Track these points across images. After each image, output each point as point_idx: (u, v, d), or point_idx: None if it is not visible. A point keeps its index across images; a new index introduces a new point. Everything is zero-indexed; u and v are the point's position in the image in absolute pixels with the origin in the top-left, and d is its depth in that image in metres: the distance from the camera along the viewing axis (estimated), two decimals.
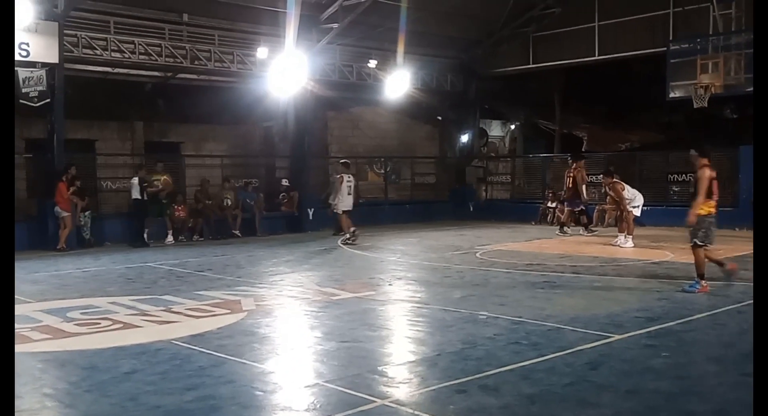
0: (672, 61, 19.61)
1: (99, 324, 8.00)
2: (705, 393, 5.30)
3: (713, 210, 10.04)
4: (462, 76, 25.22)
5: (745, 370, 5.84)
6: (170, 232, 17.59)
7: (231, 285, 10.68)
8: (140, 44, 17.84)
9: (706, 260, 9.76)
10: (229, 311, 8.65)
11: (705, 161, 10.02)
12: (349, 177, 16.97)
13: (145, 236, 16.82)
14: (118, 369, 6.16)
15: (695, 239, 9.65)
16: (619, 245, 15.22)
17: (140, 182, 16.63)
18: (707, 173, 9.73)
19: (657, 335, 7.09)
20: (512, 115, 29.93)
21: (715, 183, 10.00)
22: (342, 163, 17.78)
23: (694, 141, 21.32)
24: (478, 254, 14.20)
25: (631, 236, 15.47)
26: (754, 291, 3.61)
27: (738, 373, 5.78)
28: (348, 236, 16.53)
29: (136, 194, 16.64)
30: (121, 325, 7.94)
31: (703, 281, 9.62)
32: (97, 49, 17.24)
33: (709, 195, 9.75)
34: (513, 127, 30.81)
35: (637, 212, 15.90)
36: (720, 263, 10.08)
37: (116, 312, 8.60)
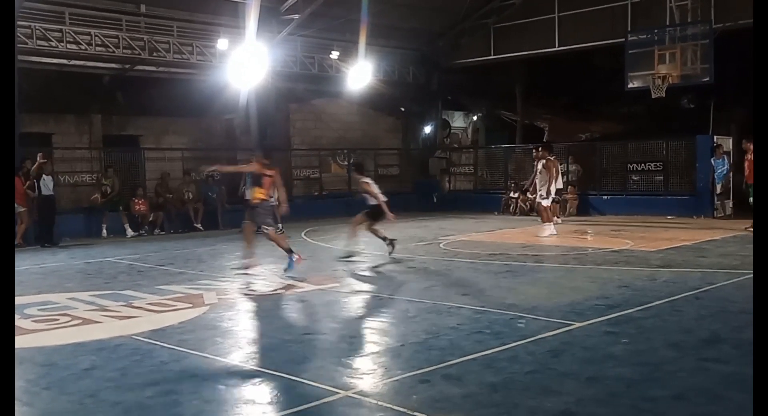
0: (630, 51, 19.87)
1: (57, 320, 7.86)
2: (665, 378, 5.37)
3: (263, 197, 10.89)
4: (424, 68, 25.25)
5: (703, 355, 5.96)
6: (127, 225, 17.33)
7: (193, 279, 10.56)
8: (97, 36, 17.54)
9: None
10: (190, 305, 8.55)
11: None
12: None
13: (104, 231, 16.60)
14: (77, 365, 6.05)
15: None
16: (540, 236, 15.18)
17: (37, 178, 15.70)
18: None
19: (617, 322, 7.18)
20: (474, 106, 30.05)
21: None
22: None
23: (653, 131, 21.80)
24: (441, 245, 14.25)
25: (551, 223, 15.55)
26: (754, 291, 3.66)
27: (696, 359, 5.88)
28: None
29: (47, 190, 15.69)
30: (81, 321, 7.81)
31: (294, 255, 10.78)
32: (52, 41, 16.90)
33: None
34: (475, 118, 30.94)
35: (546, 203, 15.68)
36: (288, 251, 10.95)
37: (75, 308, 8.45)
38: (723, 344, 6.39)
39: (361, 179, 13.01)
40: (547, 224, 15.45)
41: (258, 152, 12.17)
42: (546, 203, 15.64)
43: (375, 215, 12.74)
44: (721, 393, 5.03)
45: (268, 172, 11.22)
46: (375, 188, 12.85)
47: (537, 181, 15.92)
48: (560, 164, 21.82)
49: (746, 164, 15.40)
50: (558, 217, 18.42)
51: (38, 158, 15.81)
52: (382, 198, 12.68)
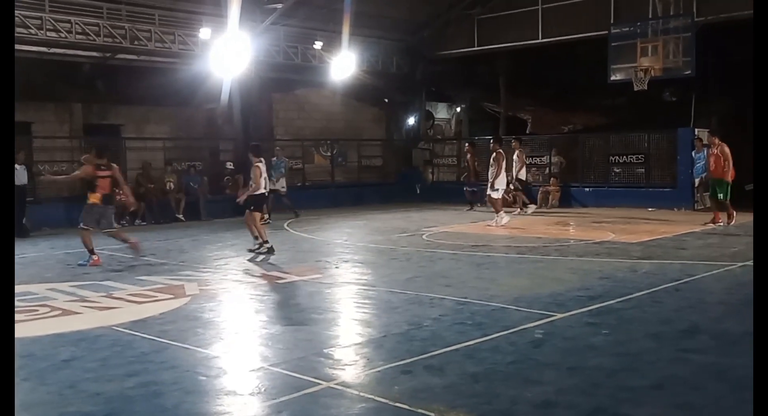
0: (613, 44, 19.93)
1: (37, 311, 7.80)
2: (644, 368, 5.42)
3: (97, 201, 11.05)
4: (408, 59, 25.21)
5: (682, 346, 6.02)
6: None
7: (174, 270, 10.51)
8: (77, 23, 17.33)
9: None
10: (172, 296, 8.51)
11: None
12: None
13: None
14: (56, 356, 6.01)
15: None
16: (494, 225, 15.54)
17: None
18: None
19: (598, 313, 7.24)
20: (458, 98, 30.04)
21: None
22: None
23: (635, 124, 21.88)
24: (424, 236, 14.26)
25: (501, 213, 15.82)
26: (754, 291, 3.68)
27: (675, 349, 5.93)
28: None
29: (21, 179, 15.28)
30: (60, 312, 7.75)
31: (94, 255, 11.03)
32: (31, 29, 16.68)
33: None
34: (459, 109, 30.93)
35: (497, 195, 15.95)
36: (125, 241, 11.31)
37: (55, 299, 8.39)
38: (701, 334, 6.45)
39: (254, 162, 12.37)
40: (498, 215, 15.72)
41: (92, 152, 11.76)
42: (495, 195, 15.88)
43: (255, 204, 12.27)
44: (699, 383, 5.09)
45: (104, 173, 11.09)
46: (261, 175, 12.23)
47: (489, 173, 16.15)
48: (554, 157, 22.21)
49: (711, 158, 15.03)
50: (522, 208, 18.74)
51: None
52: (261, 189, 12.24)
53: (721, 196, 14.71)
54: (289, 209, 18.73)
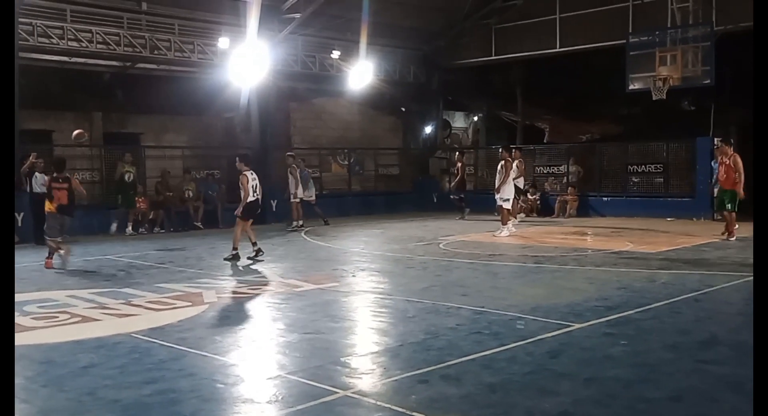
0: (631, 53, 19.86)
1: (57, 317, 7.87)
2: (661, 380, 5.38)
3: (53, 210, 11.64)
4: (425, 68, 25.25)
5: (700, 357, 5.98)
6: (131, 223, 17.35)
7: (192, 278, 10.57)
8: (98, 33, 17.53)
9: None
10: (190, 303, 8.56)
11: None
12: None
13: (113, 227, 16.51)
14: (75, 363, 6.06)
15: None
16: (495, 236, 15.42)
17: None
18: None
19: (616, 323, 7.20)
20: (475, 106, 30.05)
21: None
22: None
23: (652, 133, 21.78)
24: (441, 245, 14.25)
25: (509, 224, 15.76)
26: (754, 291, 3.67)
27: (693, 360, 5.90)
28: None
29: (38, 188, 15.04)
30: (80, 318, 7.82)
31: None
32: (53, 38, 16.90)
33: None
34: (476, 118, 30.94)
35: (507, 205, 15.88)
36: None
37: (74, 306, 8.46)
38: (720, 346, 6.40)
39: (242, 170, 12.55)
40: (505, 226, 15.63)
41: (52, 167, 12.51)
42: (507, 205, 15.79)
43: (248, 213, 12.53)
44: (717, 395, 5.05)
45: (59, 185, 11.72)
46: (249, 183, 12.44)
47: (496, 182, 16.11)
48: (572, 166, 22.14)
49: (722, 168, 14.39)
50: (515, 217, 18.49)
51: (31, 157, 15.79)
52: (250, 197, 12.42)
53: (729, 206, 14.08)
54: (320, 217, 18.81)
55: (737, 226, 14.17)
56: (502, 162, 15.96)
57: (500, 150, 16.96)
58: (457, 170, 21.61)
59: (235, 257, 12.18)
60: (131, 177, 17.67)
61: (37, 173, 15.46)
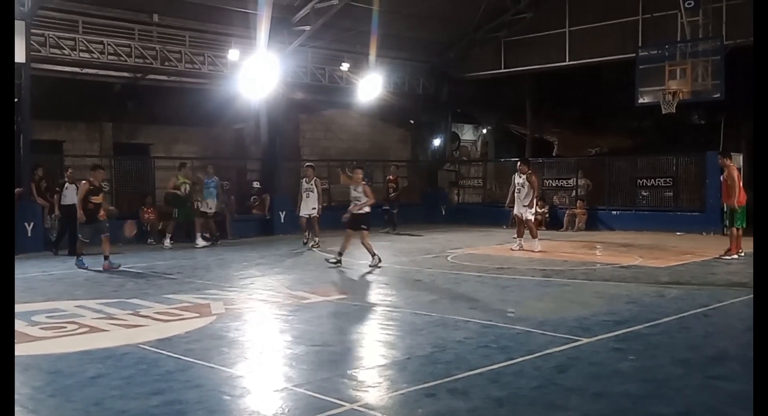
0: (641, 67, 19.86)
1: (65, 327, 7.88)
2: (671, 395, 5.34)
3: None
4: (434, 80, 25.31)
5: (710, 373, 5.93)
6: (199, 234, 17.14)
7: (200, 289, 10.57)
8: (109, 44, 17.66)
9: None
10: (197, 314, 8.56)
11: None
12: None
13: (168, 239, 16.78)
14: (83, 373, 6.06)
15: None
16: (530, 250, 15.07)
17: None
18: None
19: (625, 338, 7.15)
20: (484, 119, 30.06)
21: None
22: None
23: (662, 146, 21.69)
24: (449, 258, 14.22)
25: (537, 239, 15.45)
26: (754, 291, 3.65)
27: (703, 376, 5.85)
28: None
29: (72, 199, 14.68)
30: (88, 329, 7.82)
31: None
32: (65, 49, 17.04)
33: None
34: (485, 131, 30.94)
35: (532, 218, 15.71)
36: None
37: (82, 316, 8.48)
38: (730, 361, 6.35)
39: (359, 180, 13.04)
40: (536, 239, 15.38)
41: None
42: (532, 218, 15.64)
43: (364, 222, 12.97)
44: (727, 411, 5.01)
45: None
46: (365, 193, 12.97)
47: (518, 196, 15.72)
48: (581, 179, 22.06)
49: (723, 182, 14.08)
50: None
51: (38, 171, 16.07)
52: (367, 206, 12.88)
53: (737, 223, 13.68)
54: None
55: (737, 247, 13.67)
56: (524, 176, 15.56)
57: (518, 164, 16.59)
58: (391, 183, 21.22)
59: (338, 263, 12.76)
60: (187, 189, 17.36)
61: (68, 184, 15.34)
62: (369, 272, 12.54)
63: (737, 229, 13.76)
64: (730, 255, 13.64)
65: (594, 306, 8.88)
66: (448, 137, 26.85)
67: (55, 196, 15.61)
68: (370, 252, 12.79)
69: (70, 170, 16.10)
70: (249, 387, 5.76)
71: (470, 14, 22.44)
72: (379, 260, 12.80)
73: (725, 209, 16.05)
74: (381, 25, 20.03)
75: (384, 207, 20.44)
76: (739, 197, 13.69)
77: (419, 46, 23.79)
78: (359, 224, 12.72)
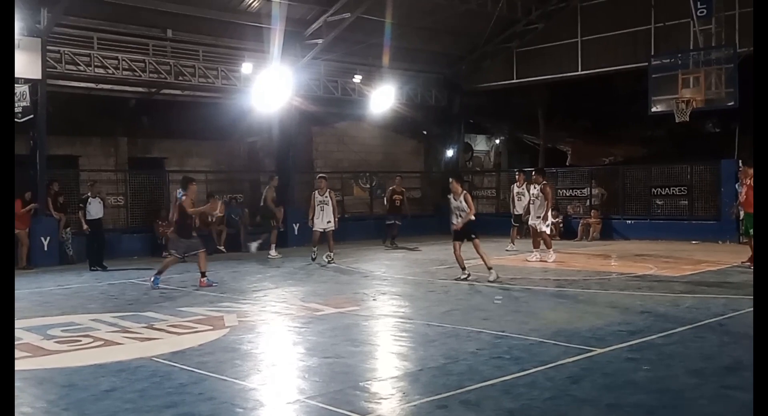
0: (654, 76, 19.78)
1: (79, 341, 7.93)
2: (685, 406, 5.31)
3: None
4: (446, 91, 25.34)
5: (725, 383, 5.88)
6: (273, 246, 17.32)
7: (214, 301, 10.62)
8: (124, 60, 17.83)
9: None
10: (211, 327, 8.60)
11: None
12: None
13: (254, 246, 17.04)
14: (97, 386, 6.10)
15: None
16: (542, 260, 14.94)
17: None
18: None
19: (639, 348, 7.11)
20: (497, 129, 30.07)
21: None
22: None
23: (676, 155, 21.56)
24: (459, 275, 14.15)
25: (552, 250, 15.25)
26: (754, 291, 3.63)
27: (717, 386, 5.81)
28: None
29: (98, 213, 15.30)
30: (102, 342, 7.88)
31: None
32: (80, 65, 17.22)
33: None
34: (498, 141, 30.95)
35: (546, 229, 15.47)
36: None
37: (97, 329, 8.53)
38: (745, 371, 6.27)
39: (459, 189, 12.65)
40: (550, 249, 15.21)
41: None
42: (547, 229, 15.48)
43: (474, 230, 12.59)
44: None
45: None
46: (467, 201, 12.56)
47: (532, 206, 15.68)
48: (595, 189, 21.97)
49: (744, 189, 14.00)
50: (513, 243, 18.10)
51: (54, 186, 16.15)
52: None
53: (752, 232, 13.52)
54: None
55: None
56: (539, 187, 15.47)
57: (533, 174, 16.53)
58: (399, 194, 20.11)
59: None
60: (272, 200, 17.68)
61: (91, 199, 15.29)
62: (383, 284, 12.53)
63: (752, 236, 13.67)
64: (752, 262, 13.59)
65: (608, 316, 8.83)
66: (460, 148, 26.85)
67: (80, 211, 15.45)
68: (485, 263, 12.23)
69: (95, 183, 16.10)
70: (262, 399, 5.77)
71: (481, 26, 22.47)
72: (469, 276, 12.33)
73: (741, 218, 15.96)
74: (393, 38, 20.16)
75: (388, 221, 19.88)
76: None
77: (431, 58, 23.86)
78: (468, 234, 12.41)
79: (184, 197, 12.14)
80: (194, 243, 12.33)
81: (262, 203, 17.86)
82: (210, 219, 18.59)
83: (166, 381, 6.24)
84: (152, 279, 12.23)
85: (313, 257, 15.60)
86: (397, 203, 19.96)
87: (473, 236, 12.33)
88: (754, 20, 4.33)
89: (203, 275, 12.24)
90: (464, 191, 12.57)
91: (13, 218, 13.91)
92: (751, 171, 14.04)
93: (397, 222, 19.86)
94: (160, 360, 6.98)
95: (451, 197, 12.70)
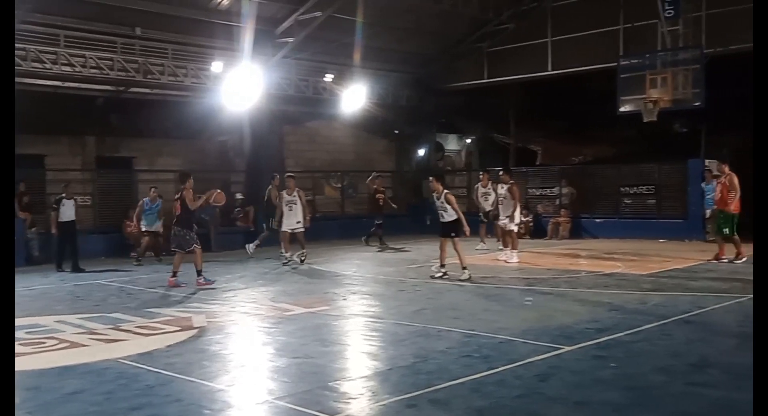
0: (622, 76, 19.98)
1: (44, 343, 7.80)
2: (652, 403, 5.35)
3: None
4: (418, 91, 25.36)
5: (692, 380, 5.94)
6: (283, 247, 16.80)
7: (182, 302, 10.52)
8: (91, 58, 17.59)
9: None
10: (179, 328, 8.50)
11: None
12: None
13: (252, 246, 16.75)
14: (62, 389, 6.00)
15: None
16: (505, 261, 14.93)
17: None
18: None
19: (606, 346, 7.17)
20: (468, 129, 30.16)
21: None
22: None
23: (645, 155, 21.81)
24: (433, 268, 14.16)
25: (516, 251, 15.21)
26: (754, 291, 3.67)
27: (684, 383, 5.86)
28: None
29: (70, 215, 14.87)
30: (68, 344, 7.76)
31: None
32: (46, 63, 16.94)
33: None
34: (469, 141, 31.05)
35: (515, 228, 15.53)
36: None
37: (62, 331, 8.40)
38: (712, 368, 6.37)
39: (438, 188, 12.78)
40: (514, 251, 15.15)
41: None
42: (515, 228, 15.55)
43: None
44: None
45: (177, 197, 12.29)
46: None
47: (501, 206, 15.74)
48: (564, 188, 22.09)
49: (719, 187, 14.28)
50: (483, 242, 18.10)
51: (20, 186, 15.75)
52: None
53: (726, 230, 13.91)
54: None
55: (744, 250, 13.75)
56: (506, 186, 15.57)
57: (500, 174, 16.63)
58: (380, 194, 19.84)
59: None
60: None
61: (65, 200, 14.87)
62: (354, 284, 12.51)
63: (726, 236, 14.00)
64: (719, 259, 13.95)
65: (577, 314, 8.89)
66: (432, 148, 26.91)
67: (52, 213, 14.92)
68: (460, 262, 12.34)
69: (69, 183, 15.60)
70: (230, 400, 5.71)
71: (453, 26, 22.56)
72: (444, 274, 12.44)
73: (707, 216, 16.18)
74: (365, 37, 20.12)
75: (377, 220, 19.59)
76: (738, 204, 13.92)
77: (403, 58, 23.86)
78: (449, 233, 12.49)
79: (185, 191, 12.11)
80: (193, 238, 12.19)
81: (265, 203, 17.50)
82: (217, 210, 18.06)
83: (132, 382, 6.16)
84: (175, 282, 11.99)
85: (285, 261, 15.31)
86: (380, 202, 19.82)
87: (453, 234, 12.45)
88: (754, 20, 4.37)
89: (199, 274, 12.06)
90: (445, 190, 12.63)
91: (13, 218, 13.66)
92: (724, 168, 14.21)
93: (381, 222, 19.73)
94: (127, 361, 6.89)
95: (434, 195, 12.81)
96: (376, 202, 19.87)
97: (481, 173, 19.08)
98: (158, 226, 16.86)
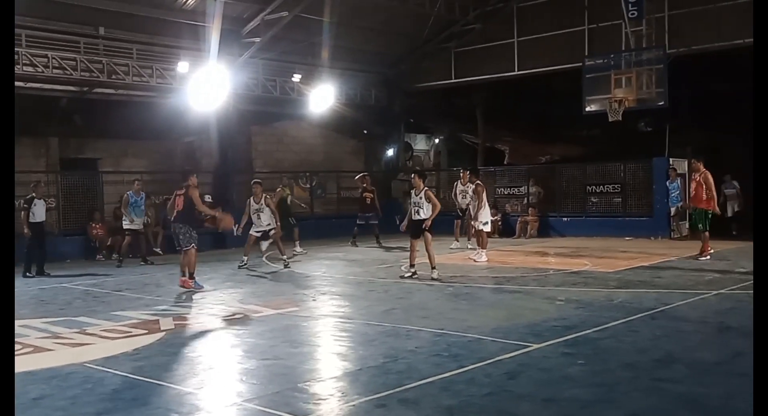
0: (588, 76, 20.20)
1: None
2: (619, 399, 5.41)
3: None
4: (387, 91, 25.40)
5: (658, 376, 6.02)
6: (297, 242, 17.51)
7: (150, 305, 10.39)
8: (54, 58, 17.33)
9: None
10: (146, 331, 8.41)
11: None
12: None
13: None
14: (26, 395, 5.89)
15: None
16: (474, 260, 14.93)
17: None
18: None
19: (574, 343, 7.23)
20: (437, 129, 30.27)
21: None
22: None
23: (612, 154, 22.07)
24: (403, 268, 14.19)
25: (485, 251, 15.23)
26: (754, 291, 3.71)
27: (650, 379, 5.93)
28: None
29: (41, 216, 14.57)
30: (32, 349, 7.62)
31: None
32: None
33: None
34: (437, 141, 31.16)
35: (487, 228, 15.62)
36: None
37: (27, 336, 8.25)
38: (677, 364, 6.46)
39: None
40: (483, 251, 15.18)
41: None
42: (487, 228, 15.62)
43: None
44: (675, 414, 5.09)
45: (180, 192, 12.09)
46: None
47: (471, 206, 15.92)
48: (532, 187, 22.26)
49: (693, 184, 14.50)
50: (458, 240, 18.23)
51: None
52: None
53: (700, 226, 14.22)
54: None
55: (711, 250, 14.14)
56: (473, 187, 15.75)
57: (467, 174, 16.82)
58: (365, 192, 19.86)
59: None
60: (291, 200, 17.82)
61: (36, 200, 14.48)
62: (323, 284, 12.48)
63: (707, 231, 14.23)
64: (704, 256, 14.08)
65: (545, 312, 8.96)
66: (401, 148, 26.95)
67: (23, 213, 14.38)
68: (430, 261, 12.34)
69: (38, 183, 15.18)
70: (198, 403, 5.66)
71: (421, 26, 22.59)
72: (414, 274, 12.45)
73: (673, 214, 16.41)
74: (332, 37, 20.09)
75: (371, 220, 19.57)
76: (713, 201, 14.20)
77: (371, 57, 23.87)
78: (419, 233, 12.44)
79: (190, 189, 11.89)
80: (194, 237, 11.90)
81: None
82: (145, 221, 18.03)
83: (98, 387, 6.07)
84: (192, 284, 11.66)
85: (241, 264, 14.96)
86: (368, 201, 19.76)
87: (424, 227, 12.44)
88: (754, 20, 4.42)
89: (191, 277, 11.69)
90: (425, 188, 12.66)
91: (13, 218, 13.27)
92: (699, 166, 14.39)
93: (359, 222, 19.76)
94: (93, 365, 6.79)
95: (412, 192, 12.85)
96: (363, 201, 19.86)
97: (461, 170, 19.05)
98: (142, 222, 16.65)
